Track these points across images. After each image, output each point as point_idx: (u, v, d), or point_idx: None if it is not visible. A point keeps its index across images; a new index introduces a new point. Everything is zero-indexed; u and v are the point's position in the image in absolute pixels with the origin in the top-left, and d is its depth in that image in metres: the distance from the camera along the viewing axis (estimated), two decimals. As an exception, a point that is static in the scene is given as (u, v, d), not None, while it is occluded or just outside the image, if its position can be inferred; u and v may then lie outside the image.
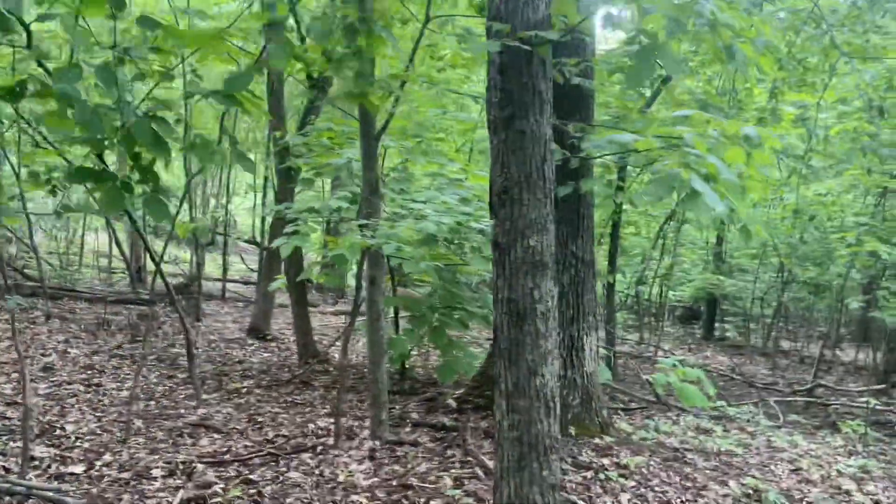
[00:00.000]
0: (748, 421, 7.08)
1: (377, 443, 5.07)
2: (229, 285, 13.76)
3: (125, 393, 6.14)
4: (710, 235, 15.21)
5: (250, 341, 9.37)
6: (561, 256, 5.44)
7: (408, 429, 5.55)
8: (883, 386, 8.47)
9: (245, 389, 6.80)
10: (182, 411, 5.88)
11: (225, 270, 12.88)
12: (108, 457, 4.58)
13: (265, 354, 8.76)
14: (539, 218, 2.71)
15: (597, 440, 5.25)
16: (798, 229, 9.39)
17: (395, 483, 4.31)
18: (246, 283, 15.15)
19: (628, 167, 6.78)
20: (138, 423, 5.40)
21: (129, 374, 6.85)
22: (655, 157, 2.71)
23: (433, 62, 7.07)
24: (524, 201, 2.69)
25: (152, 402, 6.15)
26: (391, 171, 7.68)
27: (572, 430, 5.25)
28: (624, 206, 15.50)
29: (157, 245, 18.37)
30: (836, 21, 5.92)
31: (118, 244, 10.87)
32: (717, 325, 16.31)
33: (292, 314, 8.27)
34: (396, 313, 7.77)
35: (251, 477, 4.34)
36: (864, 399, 7.45)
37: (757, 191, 3.89)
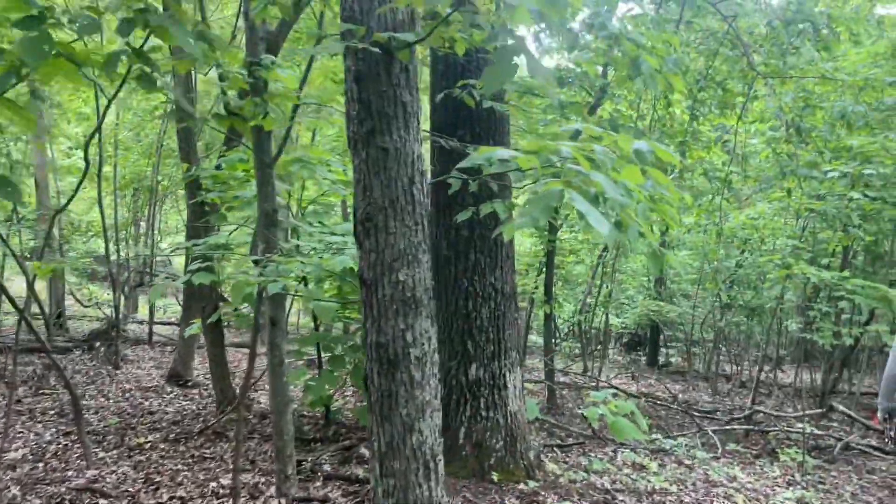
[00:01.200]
0: (687, 453, 6.77)
1: (283, 501, 4.56)
2: (159, 328, 13.05)
3: (14, 454, 5.51)
4: (649, 262, 15.09)
5: (169, 389, 8.73)
6: (480, 288, 5.08)
7: (318, 483, 5.05)
8: (821, 410, 8.28)
9: (149, 444, 6.19)
10: (70, 473, 5.26)
11: (152, 312, 12.18)
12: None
13: (183, 403, 8.14)
14: (409, 248, 2.32)
15: (521, 486, 4.84)
16: (726, 253, 9.26)
17: (291, 549, 3.81)
18: (177, 324, 14.41)
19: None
20: (14, 490, 4.78)
21: (21, 433, 6.20)
22: (538, 177, 2.37)
23: (337, 85, 6.70)
24: (390, 229, 2.30)
25: (40, 464, 5.51)
26: (310, 204, 7.25)
27: (494, 476, 4.83)
28: (564, 234, 15.38)
29: (93, 289, 17.48)
30: (753, 43, 5.79)
31: (31, 288, 10.09)
32: (662, 350, 16.16)
33: (208, 358, 7.70)
34: (319, 353, 7.28)
35: (127, 550, 3.79)
36: (801, 425, 7.22)
37: (665, 214, 3.55)
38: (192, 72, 7.05)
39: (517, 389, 5.18)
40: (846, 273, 6.74)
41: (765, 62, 5.55)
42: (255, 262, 4.36)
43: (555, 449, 6.86)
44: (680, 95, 8.16)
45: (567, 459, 6.49)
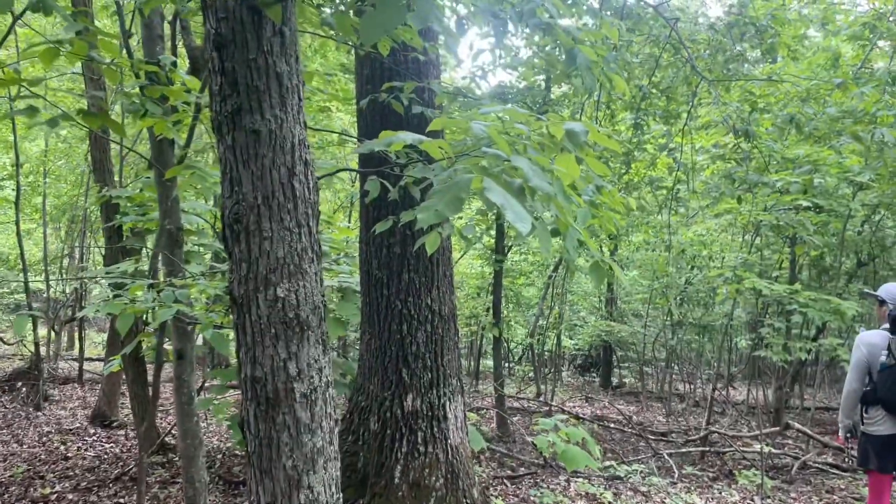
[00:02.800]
0: (642, 479, 6.33)
1: (193, 557, 3.94)
2: (92, 364, 12.17)
3: None
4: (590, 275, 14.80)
5: (92, 431, 7.95)
6: (415, 311, 4.58)
7: (237, 533, 4.45)
8: (776, 428, 7.95)
9: (55, 495, 5.48)
10: (-47, 535, 4.54)
11: (81, 348, 11.32)
12: None
13: (105, 445, 7.39)
14: (290, 256, 1.82)
15: (464, 528, 4.32)
16: (675, 269, 8.98)
17: None
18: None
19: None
20: None
21: None
22: (450, 166, 1.92)
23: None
24: (265, 232, 1.80)
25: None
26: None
27: (434, 519, 4.29)
28: (515, 256, 15.01)
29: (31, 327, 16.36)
30: (697, 49, 5.51)
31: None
32: (615, 371, 15.83)
33: (129, 396, 7.00)
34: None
35: None
36: (758, 444, 6.85)
37: (609, 222, 3.11)
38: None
39: (459, 420, 4.67)
40: (797, 286, 6.45)
41: (709, 68, 5.27)
42: (151, 287, 3.79)
43: (504, 481, 6.36)
44: (624, 113, 7.90)
45: (517, 492, 5.99)
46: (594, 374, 16.15)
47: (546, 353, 14.64)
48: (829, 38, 8.00)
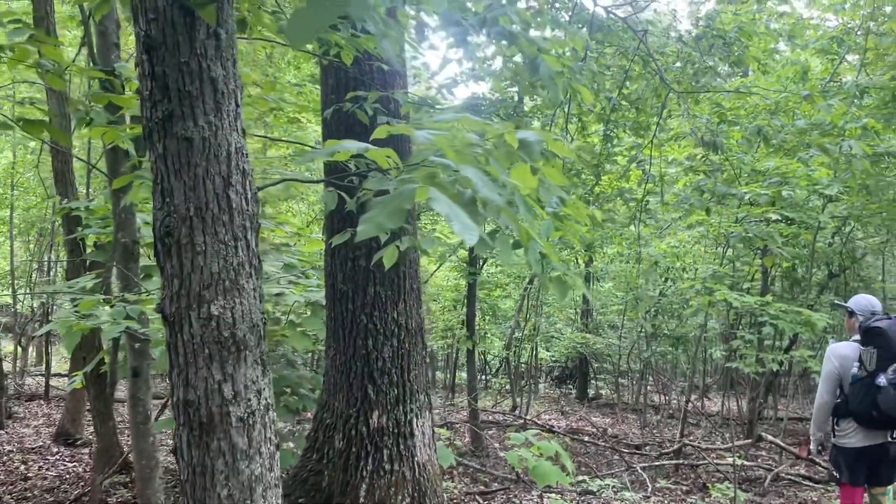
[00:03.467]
0: (615, 494, 6.24)
1: (148, 584, 3.76)
2: (60, 381, 11.86)
3: None
4: (576, 294, 14.78)
5: (55, 449, 7.71)
6: (382, 325, 4.46)
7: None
8: (749, 440, 7.91)
9: (9, 518, 5.27)
10: None
11: (48, 364, 11.02)
12: None
13: (68, 465, 7.16)
14: (225, 271, 1.70)
15: (430, 548, 4.19)
16: (647, 280, 8.95)
17: None
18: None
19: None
20: None
21: None
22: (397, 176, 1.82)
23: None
24: (198, 246, 1.68)
25: None
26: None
27: (400, 540, 4.16)
28: (491, 269, 14.93)
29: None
30: (666, 61, 5.49)
31: None
32: (592, 383, 15.77)
33: (91, 414, 6.79)
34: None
35: None
36: (731, 456, 6.80)
37: (574, 235, 3.03)
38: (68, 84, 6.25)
39: (426, 437, 4.54)
40: (768, 298, 6.42)
41: (678, 80, 5.25)
42: (105, 302, 3.64)
43: (477, 497, 6.24)
44: (597, 125, 7.87)
45: (489, 509, 5.88)
46: (571, 387, 16.08)
47: (522, 365, 14.56)
48: (797, 52, 8.05)
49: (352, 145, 1.76)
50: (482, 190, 1.66)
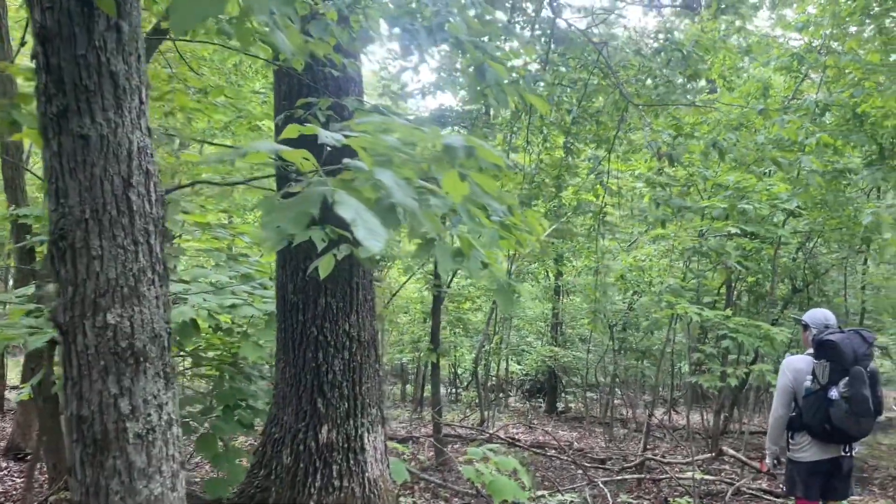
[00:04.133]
0: (576, 509, 6.16)
1: None
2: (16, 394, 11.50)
3: None
4: (545, 307, 14.77)
5: (4, 464, 7.43)
6: (332, 337, 4.35)
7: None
8: (711, 454, 7.89)
9: (-55, 536, 5.03)
10: None
11: (2, 377, 10.68)
12: None
13: (17, 480, 6.90)
14: (124, 277, 1.60)
15: (379, 567, 4.06)
16: (610, 293, 8.94)
17: None
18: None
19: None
20: None
21: None
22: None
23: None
24: (94, 251, 1.57)
25: None
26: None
27: (347, 559, 4.03)
28: (462, 281, 14.85)
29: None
30: (627, 74, 5.49)
31: None
32: (561, 396, 15.71)
33: (39, 428, 6.54)
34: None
35: None
36: (692, 472, 6.76)
37: (523, 242, 2.97)
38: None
39: (378, 452, 4.43)
40: (728, 312, 6.42)
41: (638, 93, 5.25)
42: (28, 314, 3.50)
43: (435, 513, 6.12)
44: (560, 138, 7.85)
45: (447, 525, 5.76)
46: (541, 400, 16.01)
47: (492, 378, 14.46)
48: (758, 66, 8.14)
49: (265, 146, 1.67)
50: (396, 194, 1.58)
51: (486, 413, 11.92)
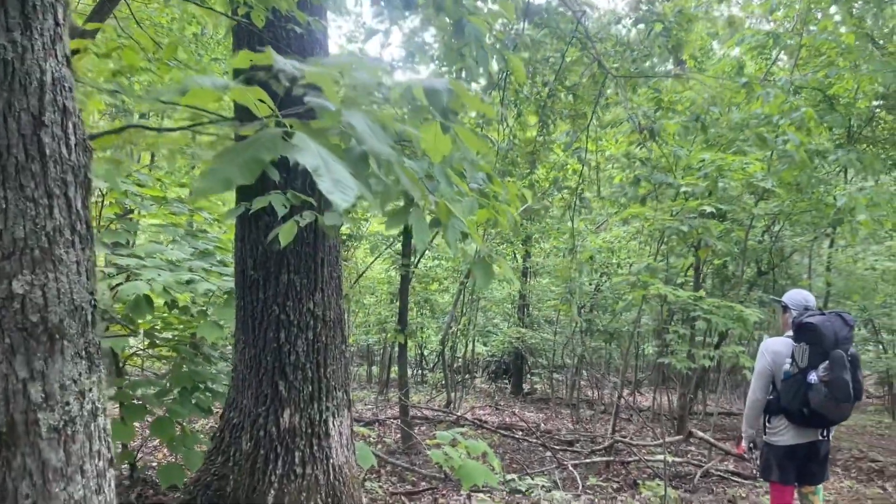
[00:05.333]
0: (545, 493, 5.99)
1: None
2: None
3: None
4: (513, 289, 14.60)
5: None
6: (295, 316, 4.05)
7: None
8: (680, 437, 7.81)
9: None
10: None
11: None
12: None
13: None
14: (34, 237, 1.30)
15: (344, 558, 3.82)
16: (580, 273, 8.77)
17: None
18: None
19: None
20: None
21: None
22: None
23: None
24: (-5, 204, 1.27)
25: None
26: (111, 223, 5.96)
27: (310, 549, 3.78)
28: (429, 262, 14.60)
29: None
30: (605, 47, 5.26)
31: None
32: (528, 378, 15.62)
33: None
34: (121, 403, 5.94)
35: None
36: (661, 453, 6.65)
37: (502, 214, 2.72)
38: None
39: (344, 437, 4.17)
40: (702, 293, 6.28)
41: (616, 66, 5.04)
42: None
43: (402, 498, 5.90)
44: (535, 117, 7.61)
45: (414, 510, 5.55)
46: (507, 381, 15.91)
47: (459, 360, 14.28)
48: (732, 46, 7.99)
49: (210, 81, 1.38)
50: (368, 140, 1.30)
51: (452, 394, 11.74)
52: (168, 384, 5.43)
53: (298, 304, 4.03)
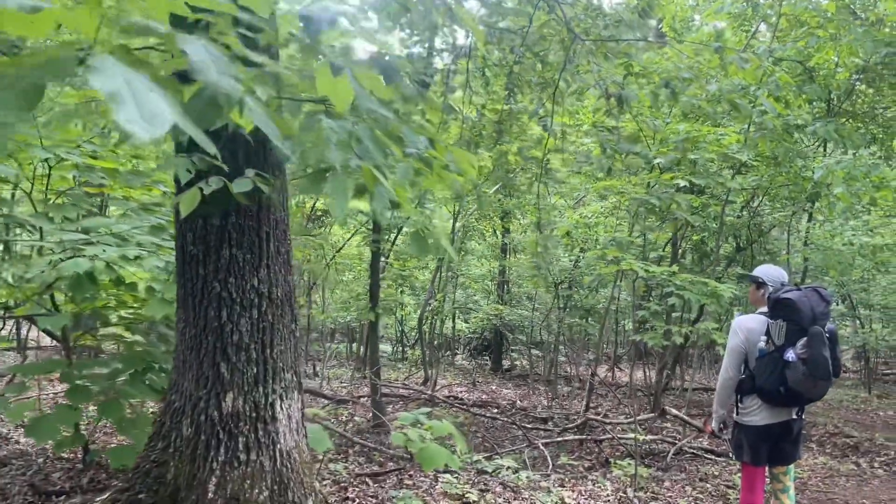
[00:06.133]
0: (515, 473, 5.76)
1: None
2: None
3: None
4: (492, 266, 14.36)
5: None
6: (238, 294, 3.75)
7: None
8: (653, 414, 7.61)
9: None
10: None
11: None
12: None
13: None
14: None
15: (288, 548, 3.56)
16: (555, 248, 8.53)
17: None
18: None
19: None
20: None
21: None
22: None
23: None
24: None
25: None
26: (62, 196, 5.62)
27: (252, 540, 3.51)
28: (406, 238, 14.30)
29: None
30: (574, 12, 4.95)
31: None
32: (508, 354, 15.44)
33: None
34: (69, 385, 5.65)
35: None
36: (633, 434, 6.45)
37: (445, 182, 2.42)
38: None
39: (293, 421, 3.89)
40: (675, 269, 6.04)
41: (586, 31, 4.72)
42: None
43: (367, 479, 5.66)
44: (500, 86, 7.23)
45: (378, 493, 5.31)
46: (487, 358, 15.73)
47: (438, 336, 14.06)
48: (710, 14, 7.69)
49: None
50: (206, 72, 0.99)
51: (430, 371, 11.51)
52: (120, 365, 5.15)
53: (241, 282, 3.73)
